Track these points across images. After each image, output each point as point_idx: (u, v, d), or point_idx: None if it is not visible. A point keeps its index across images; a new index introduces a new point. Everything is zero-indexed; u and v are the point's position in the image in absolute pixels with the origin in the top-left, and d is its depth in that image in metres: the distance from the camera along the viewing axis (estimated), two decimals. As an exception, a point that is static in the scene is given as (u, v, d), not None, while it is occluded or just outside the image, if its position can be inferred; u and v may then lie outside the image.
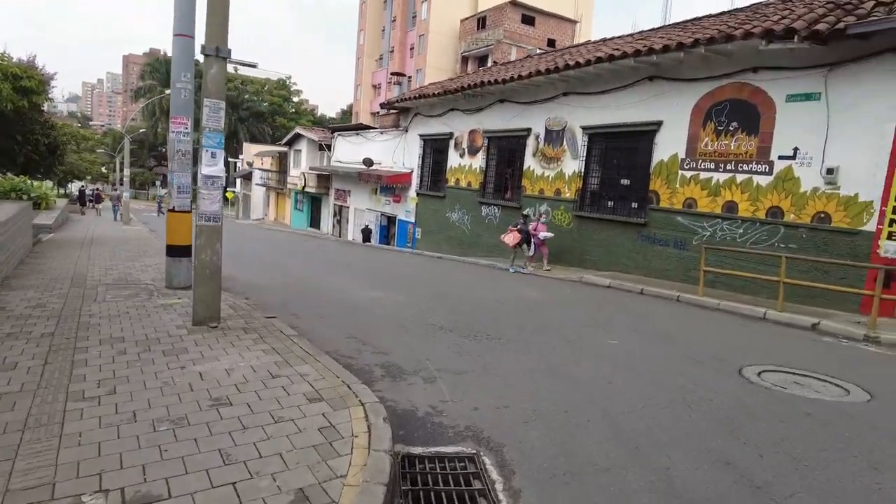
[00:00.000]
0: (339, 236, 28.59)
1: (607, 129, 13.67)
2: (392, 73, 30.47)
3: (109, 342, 5.31)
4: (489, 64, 35.82)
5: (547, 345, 6.43)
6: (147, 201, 68.37)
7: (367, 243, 23.52)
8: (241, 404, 3.97)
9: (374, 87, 52.59)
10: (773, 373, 5.58)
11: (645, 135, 12.78)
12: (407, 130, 22.28)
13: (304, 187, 31.77)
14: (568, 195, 14.57)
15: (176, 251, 8.60)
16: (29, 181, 21.50)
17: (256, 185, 44.35)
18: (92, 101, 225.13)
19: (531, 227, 13.67)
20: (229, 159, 60.96)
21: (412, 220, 21.91)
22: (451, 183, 19.34)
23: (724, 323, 8.48)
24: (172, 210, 8.54)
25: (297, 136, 34.48)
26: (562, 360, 5.81)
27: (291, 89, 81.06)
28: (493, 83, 16.08)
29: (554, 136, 15.06)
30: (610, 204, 13.71)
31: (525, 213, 14.58)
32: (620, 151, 13.63)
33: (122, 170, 30.50)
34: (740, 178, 10.88)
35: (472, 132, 18.26)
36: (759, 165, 10.56)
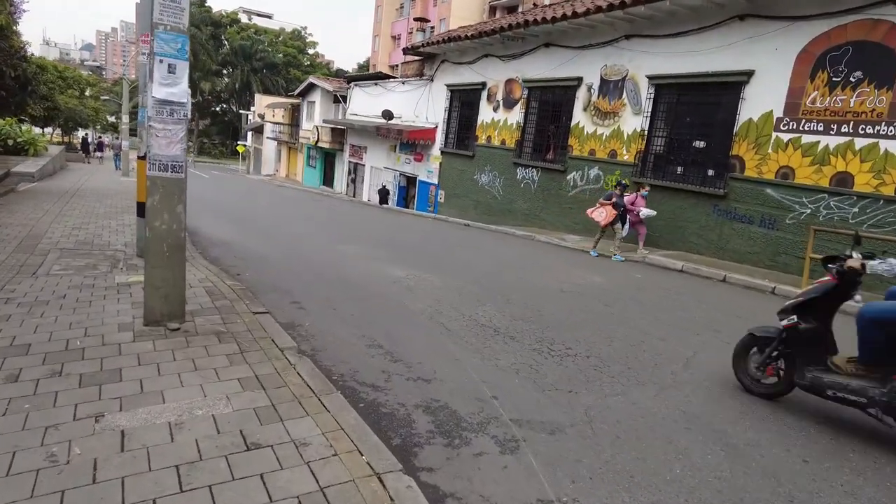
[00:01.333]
0: (354, 196, 26.54)
1: (680, 79, 11.35)
2: (416, 19, 27.82)
3: (4, 355, 3.39)
4: (519, 10, 32.84)
5: (662, 370, 4.43)
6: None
7: (384, 205, 21.47)
8: (176, 527, 2.03)
9: (394, 38, 49.60)
10: None
11: (730, 87, 10.48)
12: (432, 80, 19.92)
13: (316, 142, 29.57)
14: (626, 157, 12.36)
15: (148, 210, 6.65)
16: (17, 125, 19.60)
17: (268, 138, 42.15)
18: (106, 51, 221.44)
19: (627, 199, 10.63)
20: (241, 111, 58.65)
21: (435, 181, 19.77)
22: (482, 140, 17.11)
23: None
24: (144, 157, 6.54)
25: (311, 87, 32.07)
26: (702, 400, 3.82)
27: (307, 41, 77.86)
28: (538, 22, 13.69)
29: (611, 87, 12.76)
30: (679, 170, 11.50)
31: (623, 181, 11.26)
32: (695, 107, 11.34)
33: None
34: (861, 143, 8.64)
35: (508, 82, 15.93)
36: (893, 128, 8.31)
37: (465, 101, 18.37)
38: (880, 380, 3.33)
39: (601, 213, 10.33)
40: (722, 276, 9.09)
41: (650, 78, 11.86)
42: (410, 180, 22.01)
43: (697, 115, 11.28)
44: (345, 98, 27.58)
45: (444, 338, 4.81)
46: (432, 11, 42.95)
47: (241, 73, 65.60)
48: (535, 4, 17.92)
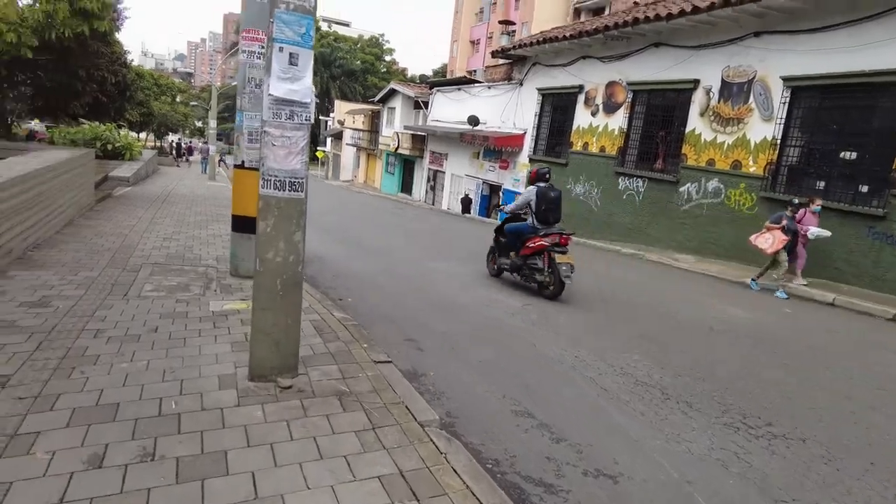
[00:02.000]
0: (433, 204, 25.92)
1: (825, 80, 9.83)
2: (500, 22, 26.92)
3: (89, 420, 2.70)
4: (604, 14, 31.21)
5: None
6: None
7: (467, 215, 20.66)
8: None
9: (473, 42, 49.03)
10: None
11: (893, 88, 8.92)
12: (521, 84, 18.94)
13: (396, 148, 29.22)
14: (753, 169, 10.90)
15: (244, 224, 6.07)
16: (116, 130, 20.17)
17: (347, 144, 42.43)
18: (195, 60, 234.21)
19: (798, 217, 8.94)
20: (320, 117, 59.80)
21: (521, 190, 18.74)
22: (577, 147, 15.96)
23: None
24: (241, 166, 5.96)
25: (392, 93, 31.82)
26: None
27: (384, 48, 78.71)
28: (650, 20, 12.44)
29: (735, 91, 11.33)
30: (820, 185, 9.97)
31: (796, 200, 9.08)
32: (844, 112, 9.78)
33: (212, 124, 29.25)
34: None
35: (610, 85, 14.73)
36: None
37: (557, 106, 17.29)
38: (513, 259, 7.38)
39: (768, 240, 8.67)
40: (890, 313, 7.59)
41: (785, 80, 10.39)
42: (494, 189, 21.10)
43: (846, 121, 9.74)
44: (426, 104, 27.06)
45: (602, 401, 3.82)
46: (513, 15, 41.98)
47: (321, 80, 66.93)
48: (635, 3, 16.50)
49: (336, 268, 7.69)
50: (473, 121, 20.13)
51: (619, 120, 14.43)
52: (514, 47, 18.40)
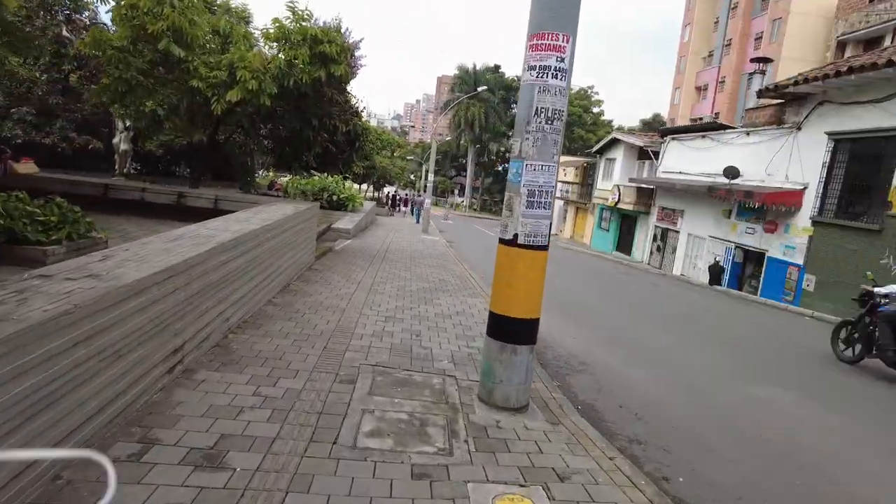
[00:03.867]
0: (660, 268, 22.31)
1: None
2: (754, 60, 22.84)
3: None
4: (884, 46, 25.08)
5: None
6: (444, 208, 71.48)
7: (716, 286, 16.82)
8: None
9: (699, 89, 44.41)
10: None
11: None
12: (799, 128, 15.01)
13: (616, 202, 26.27)
14: None
15: (508, 330, 3.90)
16: (342, 182, 20.54)
17: (555, 197, 40.57)
18: (410, 119, 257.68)
19: None
20: (525, 170, 59.11)
21: (797, 261, 14.55)
22: (899, 209, 11.65)
23: None
24: (512, 241, 3.82)
25: (613, 143, 29.10)
26: None
27: (592, 99, 76.65)
28: None
29: None
30: None
31: None
32: None
33: (426, 177, 29.54)
34: None
35: (967, 124, 10.41)
36: None
37: (858, 154, 13.13)
38: None
39: None
40: None
41: None
42: (750, 256, 17.03)
43: None
44: (656, 154, 23.87)
45: None
46: (751, 55, 36.94)
47: (528, 134, 66.74)
48: None
49: (615, 385, 5.19)
50: (732, 173, 16.51)
51: None
52: (794, 83, 14.65)
